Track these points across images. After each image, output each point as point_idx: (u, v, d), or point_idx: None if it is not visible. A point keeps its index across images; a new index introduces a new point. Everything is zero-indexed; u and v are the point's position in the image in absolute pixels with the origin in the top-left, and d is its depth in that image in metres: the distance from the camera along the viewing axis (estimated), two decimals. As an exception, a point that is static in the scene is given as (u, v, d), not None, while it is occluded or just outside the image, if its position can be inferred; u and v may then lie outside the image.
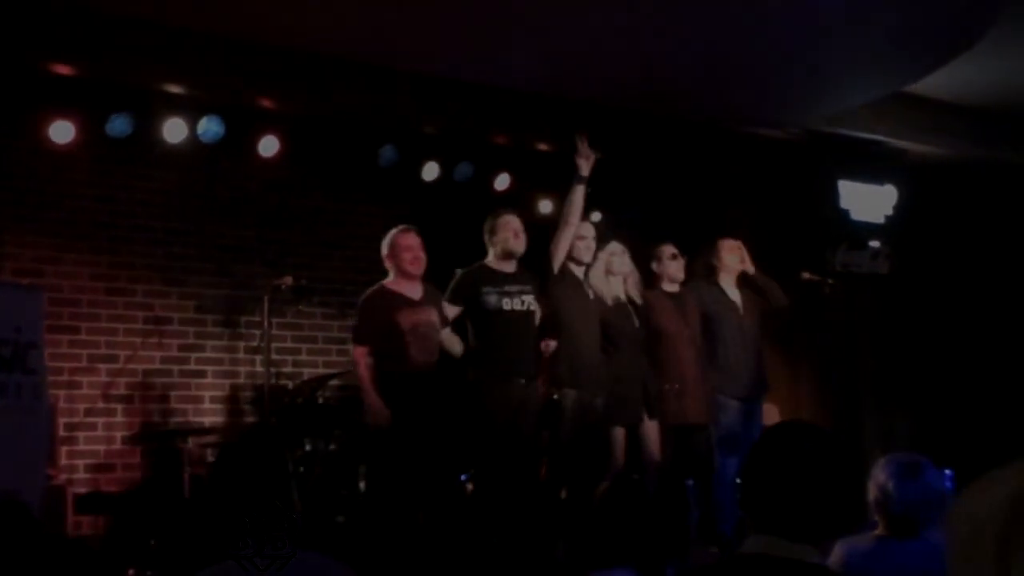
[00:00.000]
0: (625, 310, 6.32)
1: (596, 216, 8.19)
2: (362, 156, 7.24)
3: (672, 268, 6.58)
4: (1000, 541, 1.35)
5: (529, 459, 5.83)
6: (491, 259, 5.95)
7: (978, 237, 8.82)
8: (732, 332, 6.57)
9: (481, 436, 5.73)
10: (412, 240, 5.91)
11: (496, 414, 5.68)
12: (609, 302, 6.27)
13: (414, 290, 5.91)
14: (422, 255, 5.89)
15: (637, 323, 6.33)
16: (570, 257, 6.18)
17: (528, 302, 5.89)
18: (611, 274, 6.33)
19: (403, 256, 5.86)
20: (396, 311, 5.80)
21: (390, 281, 5.94)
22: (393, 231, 5.97)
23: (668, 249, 6.62)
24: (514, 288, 5.87)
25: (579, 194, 5.94)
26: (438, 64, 6.46)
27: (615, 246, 6.39)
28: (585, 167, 5.96)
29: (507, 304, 5.82)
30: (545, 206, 7.97)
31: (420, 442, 5.71)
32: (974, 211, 8.81)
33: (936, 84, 7.45)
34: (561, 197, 7.87)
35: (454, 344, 6.07)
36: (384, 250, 5.95)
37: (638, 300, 6.39)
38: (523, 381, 5.79)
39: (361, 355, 5.81)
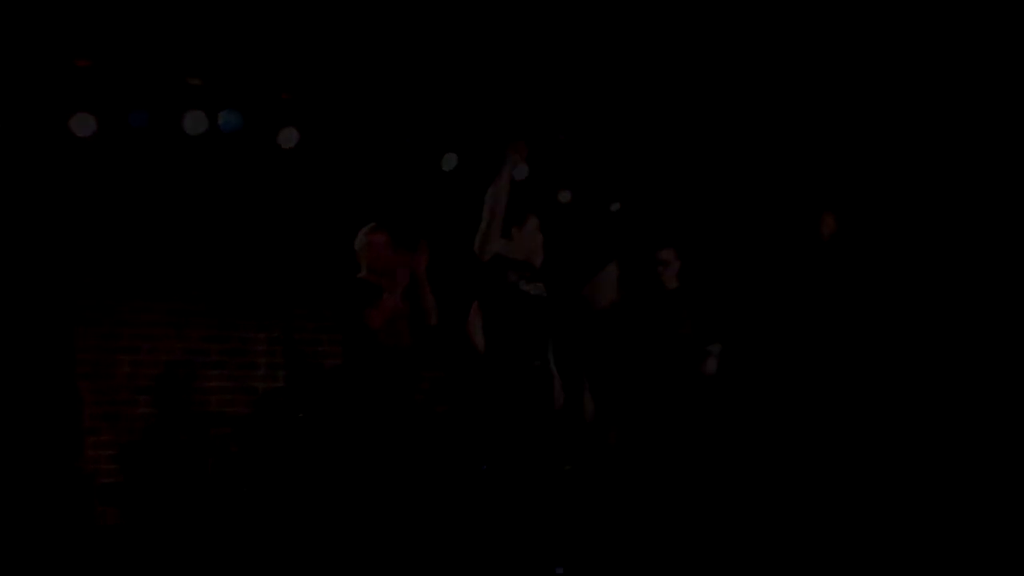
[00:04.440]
0: None
1: (616, 206, 8.25)
2: (384, 148, 7.25)
3: (670, 271, 6.76)
4: None
5: (545, 444, 5.73)
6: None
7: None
8: None
9: (498, 421, 5.61)
10: (374, 240, 5.81)
11: (511, 398, 5.62)
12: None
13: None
14: (382, 253, 5.75)
15: None
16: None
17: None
18: None
19: (365, 255, 5.78)
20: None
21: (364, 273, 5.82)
22: (364, 228, 5.86)
23: (667, 253, 6.77)
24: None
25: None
26: (455, 55, 6.47)
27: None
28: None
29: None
30: (563, 196, 8.01)
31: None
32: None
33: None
34: (573, 189, 7.93)
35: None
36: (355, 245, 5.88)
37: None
38: (537, 363, 5.73)
39: None
